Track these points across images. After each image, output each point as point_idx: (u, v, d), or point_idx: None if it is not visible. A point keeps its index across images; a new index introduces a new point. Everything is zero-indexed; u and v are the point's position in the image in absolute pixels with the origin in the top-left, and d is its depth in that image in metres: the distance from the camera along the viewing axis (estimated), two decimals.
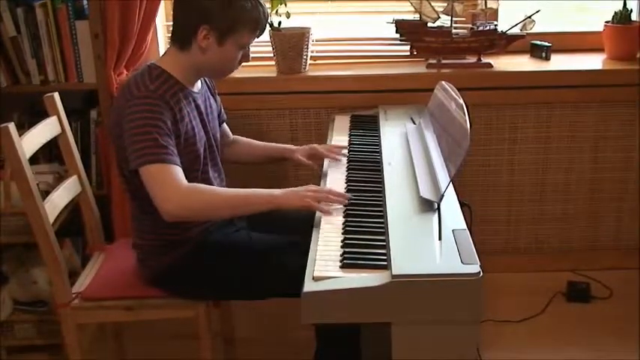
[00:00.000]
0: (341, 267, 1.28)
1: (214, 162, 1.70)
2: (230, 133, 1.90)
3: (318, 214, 1.51)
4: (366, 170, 1.72)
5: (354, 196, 1.57)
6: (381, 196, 1.55)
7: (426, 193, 1.49)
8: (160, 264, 1.62)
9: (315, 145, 1.86)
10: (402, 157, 1.75)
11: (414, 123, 2.02)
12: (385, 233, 1.38)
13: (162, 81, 1.52)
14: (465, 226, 1.36)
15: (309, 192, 1.50)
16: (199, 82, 1.66)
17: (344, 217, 1.48)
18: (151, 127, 1.45)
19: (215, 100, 1.78)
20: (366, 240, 1.38)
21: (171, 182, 1.44)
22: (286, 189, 1.51)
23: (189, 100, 1.58)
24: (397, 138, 1.91)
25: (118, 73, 2.14)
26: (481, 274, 1.19)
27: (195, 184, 1.52)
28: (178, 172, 1.46)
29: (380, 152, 1.83)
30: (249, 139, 1.92)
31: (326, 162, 1.82)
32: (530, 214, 2.46)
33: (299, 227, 1.63)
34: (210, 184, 1.65)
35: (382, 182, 1.62)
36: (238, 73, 2.16)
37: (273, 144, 1.93)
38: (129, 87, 1.50)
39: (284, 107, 2.33)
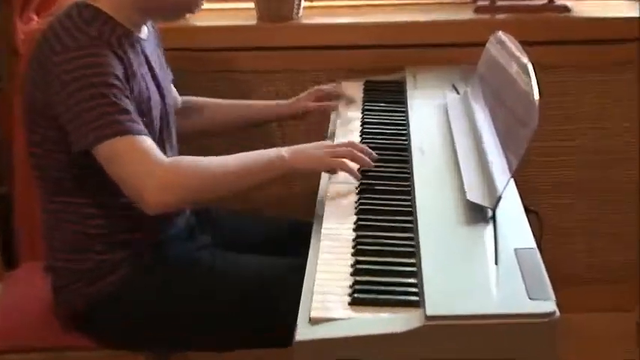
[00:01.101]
0: (350, 303, 1.27)
1: (170, 138, 1.73)
2: (178, 95, 1.94)
3: (316, 223, 1.51)
4: (387, 161, 1.71)
5: (370, 197, 1.57)
6: (408, 200, 1.55)
7: (476, 194, 1.48)
8: (86, 296, 1.62)
9: (317, 87, 1.96)
10: (440, 142, 1.75)
11: (457, 92, 2.02)
12: (415, 254, 1.37)
13: (100, 24, 1.55)
14: (533, 244, 1.36)
15: (327, 150, 1.58)
16: (145, 27, 1.69)
17: (355, 229, 1.48)
18: (104, 86, 1.47)
19: (163, 54, 1.81)
20: (387, 264, 1.36)
21: (149, 160, 1.47)
22: (294, 147, 1.58)
23: (137, 49, 1.63)
24: (432, 114, 1.91)
25: (26, 20, 2.15)
26: (557, 313, 1.18)
27: (177, 157, 1.60)
28: (153, 144, 1.51)
29: (407, 135, 1.82)
30: (209, 99, 1.97)
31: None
32: (625, 225, 2.46)
33: (287, 244, 1.64)
34: None
35: (410, 179, 1.61)
36: (199, 20, 2.13)
37: (257, 102, 1.99)
38: (56, 36, 1.52)
39: (267, 69, 2.33)
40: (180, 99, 1.95)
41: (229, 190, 1.58)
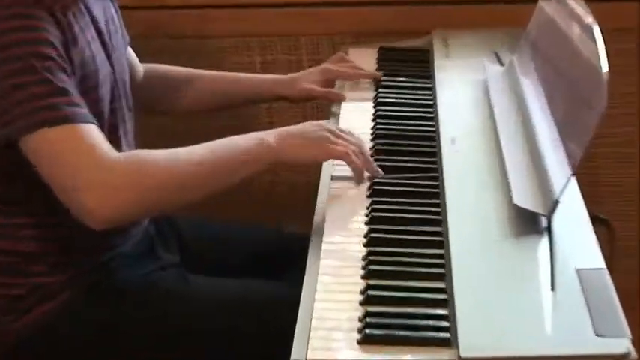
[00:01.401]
0: (360, 342, 1.27)
1: (124, 123, 1.75)
2: (139, 62, 1.98)
3: (313, 237, 1.51)
4: (408, 154, 1.73)
5: (385, 202, 1.58)
6: (436, 204, 1.56)
7: (525, 197, 1.48)
8: (19, 328, 1.65)
9: (328, 65, 2.00)
10: (478, 129, 1.77)
11: (501, 63, 2.04)
12: (446, 276, 1.37)
13: None
14: (602, 263, 1.36)
15: (327, 133, 1.59)
16: None
17: (366, 243, 1.48)
18: (35, 57, 1.48)
19: (116, 11, 1.82)
20: (407, 289, 1.37)
21: (95, 154, 1.47)
22: (281, 130, 1.60)
23: (81, 9, 1.64)
24: (468, 91, 1.93)
25: None
26: (633, 354, 1.17)
27: (132, 151, 1.63)
28: (101, 136, 1.52)
29: (435, 119, 1.84)
30: (180, 69, 2.02)
31: None
32: None
33: (277, 262, 1.65)
34: None
35: (439, 178, 1.62)
36: None
37: (248, 76, 2.04)
38: None
39: (249, 33, 2.36)
40: (141, 68, 1.98)
41: (199, 194, 1.57)
